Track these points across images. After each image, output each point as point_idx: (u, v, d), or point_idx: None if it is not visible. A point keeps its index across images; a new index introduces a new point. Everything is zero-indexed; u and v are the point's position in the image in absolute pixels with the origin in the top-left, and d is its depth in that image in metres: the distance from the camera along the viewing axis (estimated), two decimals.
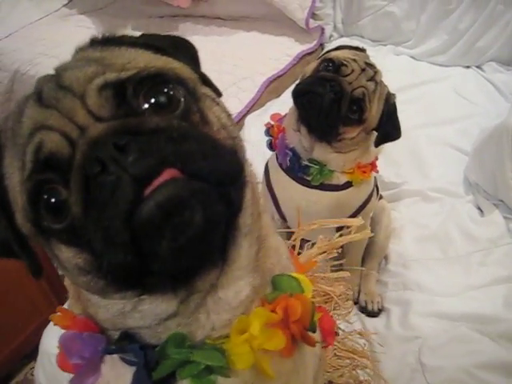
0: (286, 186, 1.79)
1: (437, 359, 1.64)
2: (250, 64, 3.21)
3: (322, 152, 1.70)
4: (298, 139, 1.72)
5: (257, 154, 2.35)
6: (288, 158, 1.74)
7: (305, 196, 1.75)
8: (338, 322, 1.50)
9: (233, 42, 3.46)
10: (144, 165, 0.57)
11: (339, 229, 1.54)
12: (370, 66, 1.67)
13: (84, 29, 3.74)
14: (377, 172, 1.91)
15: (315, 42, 3.47)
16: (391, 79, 2.93)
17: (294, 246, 1.45)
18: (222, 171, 0.61)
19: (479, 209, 2.20)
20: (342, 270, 1.54)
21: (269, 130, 1.84)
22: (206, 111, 0.69)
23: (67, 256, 0.65)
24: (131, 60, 0.69)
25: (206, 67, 0.84)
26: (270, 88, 3.14)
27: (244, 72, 3.13)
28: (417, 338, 1.72)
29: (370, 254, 2.00)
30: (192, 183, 0.58)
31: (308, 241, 1.53)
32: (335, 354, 1.49)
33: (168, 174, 0.57)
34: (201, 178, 0.59)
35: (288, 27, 3.48)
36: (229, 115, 0.75)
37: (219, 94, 0.80)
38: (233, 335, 0.73)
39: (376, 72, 1.66)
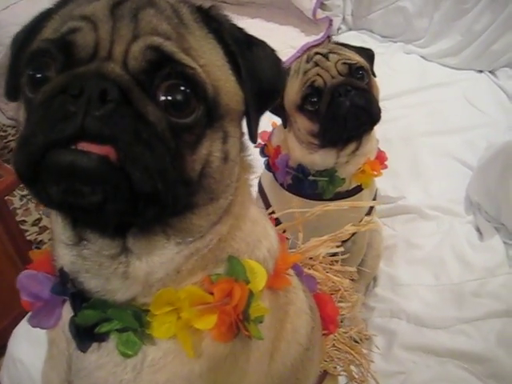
0: (290, 204, 1.66)
1: None
2: None
3: (348, 155, 1.61)
4: (319, 158, 1.62)
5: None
6: (290, 177, 1.65)
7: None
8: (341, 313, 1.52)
9: None
10: (100, 127, 0.58)
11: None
12: (328, 54, 1.56)
13: None
14: (385, 167, 1.76)
15: (322, 34, 3.30)
16: (398, 80, 2.84)
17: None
18: (150, 190, 0.61)
19: (479, 231, 2.06)
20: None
21: (263, 150, 1.73)
22: (203, 141, 0.68)
23: (20, 119, 0.71)
24: (198, 49, 0.69)
25: None
26: None
27: None
28: (399, 373, 1.62)
29: (358, 274, 1.87)
30: (114, 175, 0.59)
31: None
32: (334, 344, 1.50)
33: (106, 150, 0.58)
34: (128, 177, 0.59)
35: (294, 16, 3.32)
36: (225, 158, 0.73)
37: (252, 139, 0.79)
38: (153, 304, 0.74)
39: (337, 52, 1.57)
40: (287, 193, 1.69)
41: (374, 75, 1.63)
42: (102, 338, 0.75)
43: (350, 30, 3.36)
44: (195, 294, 0.75)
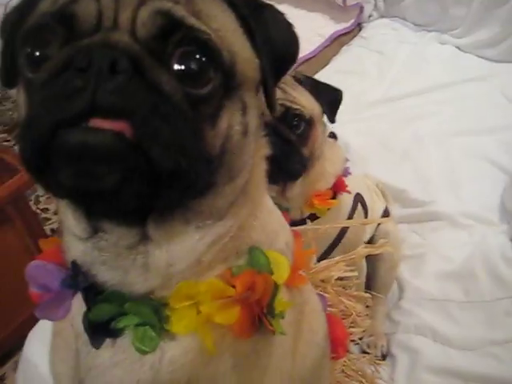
0: None
1: None
2: None
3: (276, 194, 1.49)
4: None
5: None
6: None
7: None
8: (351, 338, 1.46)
9: None
10: (112, 101, 0.54)
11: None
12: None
13: None
14: (348, 192, 1.62)
15: (352, 22, 3.19)
16: (431, 73, 2.70)
17: None
18: (171, 167, 0.56)
19: None
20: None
21: None
22: (222, 113, 0.64)
23: (20, 103, 0.66)
24: (209, 13, 0.64)
25: None
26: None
27: None
28: None
29: (374, 290, 1.77)
30: (132, 153, 0.54)
31: None
32: (343, 370, 1.42)
33: (120, 125, 0.53)
34: (147, 154, 0.54)
35: (323, 3, 3.19)
36: (245, 132, 0.68)
37: (271, 109, 0.74)
38: (173, 297, 0.70)
39: (286, 91, 1.43)
40: None
41: (332, 121, 1.51)
42: (116, 333, 0.71)
43: (382, 17, 3.22)
44: (216, 287, 0.72)
